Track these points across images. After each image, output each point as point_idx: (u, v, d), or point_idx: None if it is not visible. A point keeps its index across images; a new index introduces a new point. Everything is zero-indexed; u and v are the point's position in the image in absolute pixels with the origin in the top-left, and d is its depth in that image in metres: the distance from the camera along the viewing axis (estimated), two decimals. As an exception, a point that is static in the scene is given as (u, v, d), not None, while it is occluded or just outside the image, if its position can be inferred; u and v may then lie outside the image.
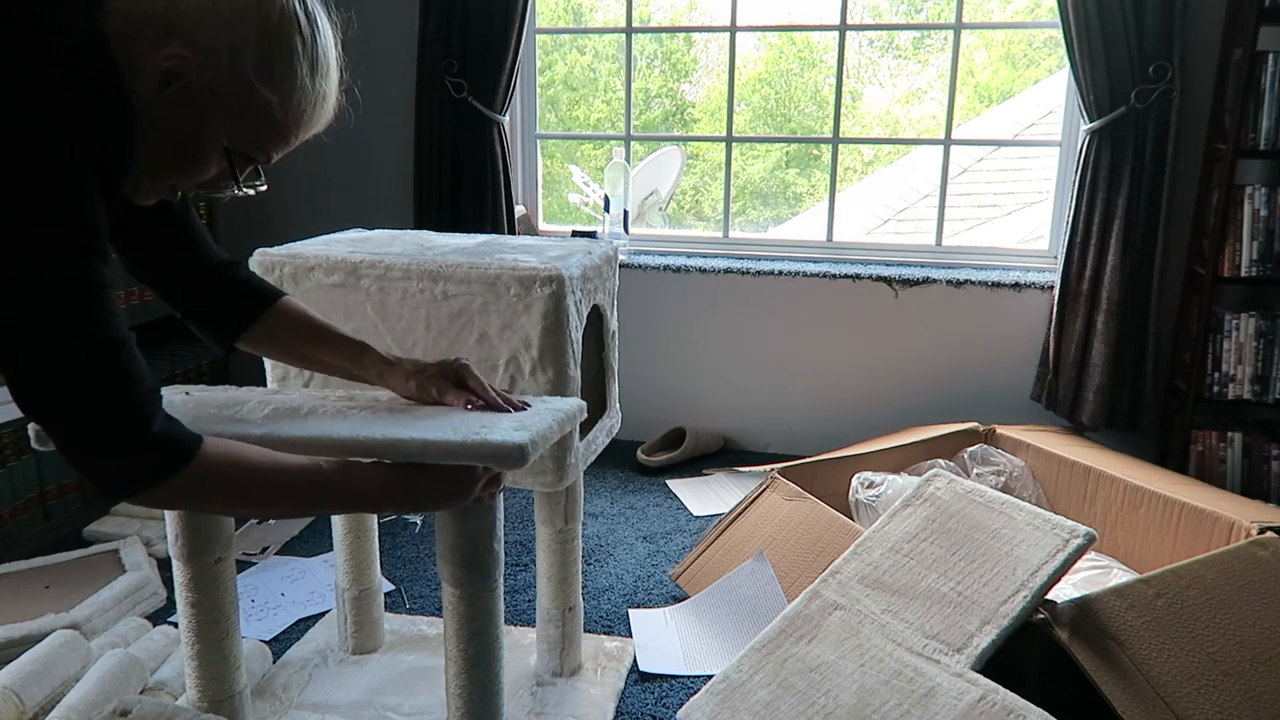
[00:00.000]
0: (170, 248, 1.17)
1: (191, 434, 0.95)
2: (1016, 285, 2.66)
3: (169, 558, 1.35)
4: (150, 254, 1.16)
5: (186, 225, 1.18)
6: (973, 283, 2.68)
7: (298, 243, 1.61)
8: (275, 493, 1.03)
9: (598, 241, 1.80)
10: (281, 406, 1.26)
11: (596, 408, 1.66)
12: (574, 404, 1.31)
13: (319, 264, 1.51)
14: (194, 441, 0.94)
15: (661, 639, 1.84)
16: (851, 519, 2.05)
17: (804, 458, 2.30)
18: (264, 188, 1.03)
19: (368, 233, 1.78)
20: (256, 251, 1.55)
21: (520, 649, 1.77)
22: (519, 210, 2.95)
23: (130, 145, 0.89)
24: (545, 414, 1.21)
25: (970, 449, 2.31)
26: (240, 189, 1.01)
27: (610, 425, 1.71)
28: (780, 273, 2.78)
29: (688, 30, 6.05)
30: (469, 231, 2.20)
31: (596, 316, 1.63)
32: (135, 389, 0.90)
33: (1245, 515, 1.77)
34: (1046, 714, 1.28)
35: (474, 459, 1.10)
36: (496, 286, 1.44)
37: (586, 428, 1.61)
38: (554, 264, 1.44)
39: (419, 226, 2.83)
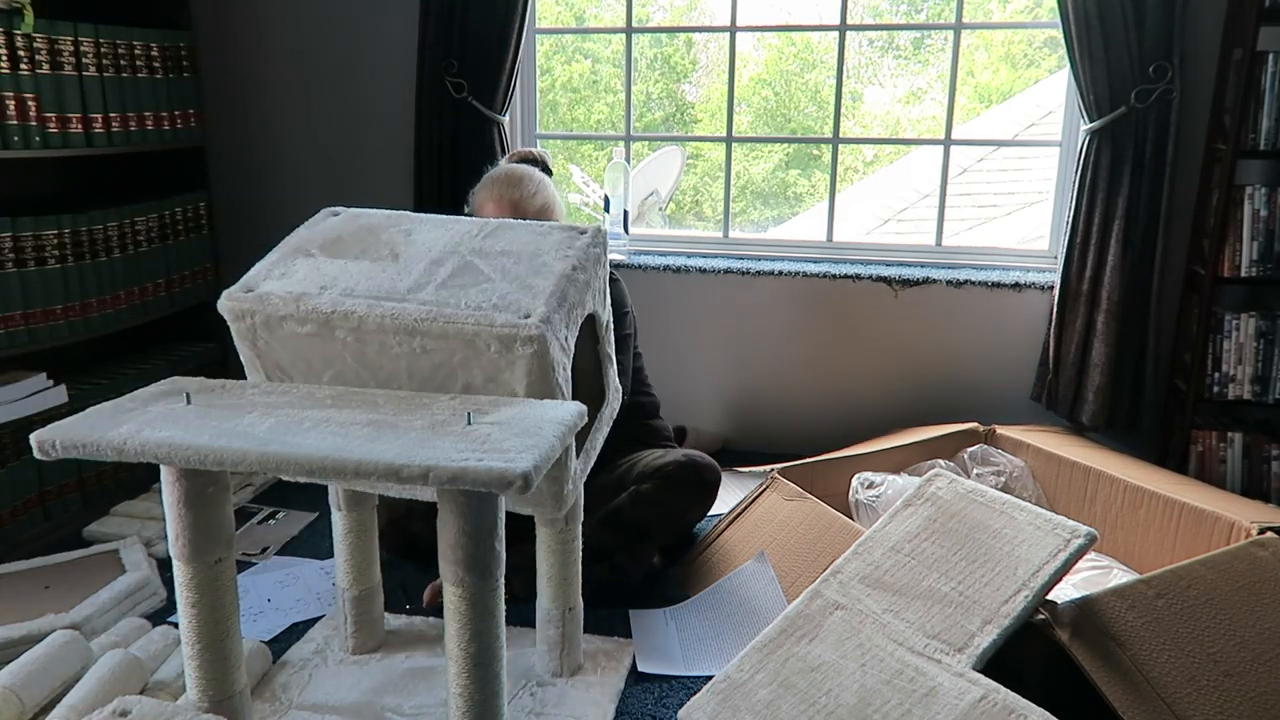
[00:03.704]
0: None
1: None
2: (1016, 285, 2.66)
3: (169, 558, 1.35)
4: None
5: None
6: (973, 283, 2.68)
7: (255, 269, 1.50)
8: None
9: (581, 235, 1.59)
10: (284, 420, 1.26)
11: (595, 403, 1.65)
12: (572, 410, 1.30)
13: (289, 314, 1.42)
14: None
15: (661, 639, 1.84)
16: (851, 519, 2.05)
17: (804, 458, 2.30)
18: None
19: (334, 219, 1.67)
20: (224, 295, 1.44)
21: (520, 649, 1.77)
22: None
23: None
24: (547, 429, 1.20)
25: (970, 449, 2.32)
26: None
27: (611, 412, 1.70)
28: (780, 273, 2.78)
29: (688, 30, 6.05)
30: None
31: (589, 319, 1.61)
32: None
33: (1245, 515, 1.78)
34: (1047, 714, 1.28)
35: (476, 485, 1.10)
36: (475, 344, 1.37)
37: (587, 429, 1.60)
38: (535, 317, 1.35)
39: (419, 226, 2.82)
